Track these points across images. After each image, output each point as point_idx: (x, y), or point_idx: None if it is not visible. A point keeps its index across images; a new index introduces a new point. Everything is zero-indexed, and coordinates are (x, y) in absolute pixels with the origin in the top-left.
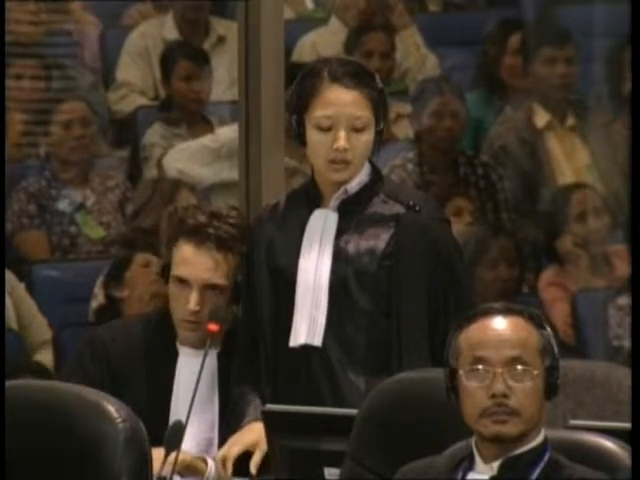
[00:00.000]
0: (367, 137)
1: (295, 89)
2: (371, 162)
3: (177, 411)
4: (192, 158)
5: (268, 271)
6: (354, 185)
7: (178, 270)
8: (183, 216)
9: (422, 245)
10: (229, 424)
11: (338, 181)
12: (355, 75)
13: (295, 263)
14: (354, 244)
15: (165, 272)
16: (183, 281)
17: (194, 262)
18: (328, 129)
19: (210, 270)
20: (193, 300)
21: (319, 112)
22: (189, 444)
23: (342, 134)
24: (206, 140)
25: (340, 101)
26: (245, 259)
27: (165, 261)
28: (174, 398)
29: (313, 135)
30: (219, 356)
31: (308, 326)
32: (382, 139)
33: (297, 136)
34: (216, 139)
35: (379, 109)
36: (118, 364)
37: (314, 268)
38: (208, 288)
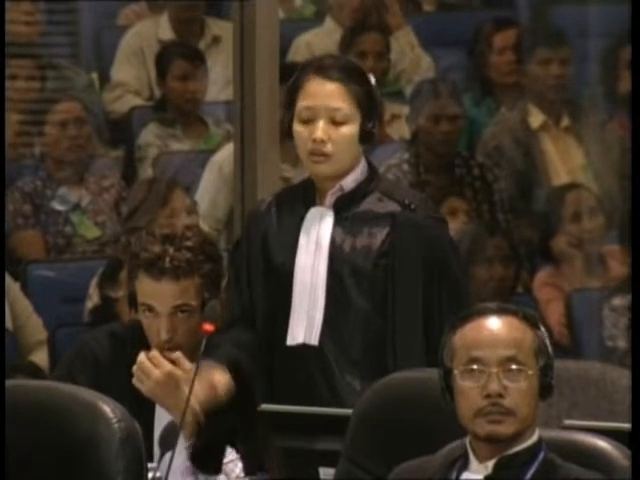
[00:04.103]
0: (348, 131)
1: (287, 85)
2: (368, 160)
3: (160, 426)
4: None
5: (263, 268)
6: (349, 182)
7: (144, 299)
8: (136, 250)
9: (417, 244)
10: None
11: (319, 174)
12: (341, 69)
13: (291, 261)
14: (350, 243)
15: (132, 301)
16: (151, 309)
17: (157, 294)
18: (309, 121)
19: (176, 296)
20: (163, 329)
21: (301, 103)
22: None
23: (320, 125)
24: (210, 174)
25: (319, 92)
26: (237, 252)
27: (130, 291)
28: (157, 416)
29: (295, 127)
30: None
31: (306, 325)
32: (372, 138)
33: (287, 132)
34: (214, 162)
35: (366, 106)
36: (107, 377)
37: (311, 267)
38: (177, 312)
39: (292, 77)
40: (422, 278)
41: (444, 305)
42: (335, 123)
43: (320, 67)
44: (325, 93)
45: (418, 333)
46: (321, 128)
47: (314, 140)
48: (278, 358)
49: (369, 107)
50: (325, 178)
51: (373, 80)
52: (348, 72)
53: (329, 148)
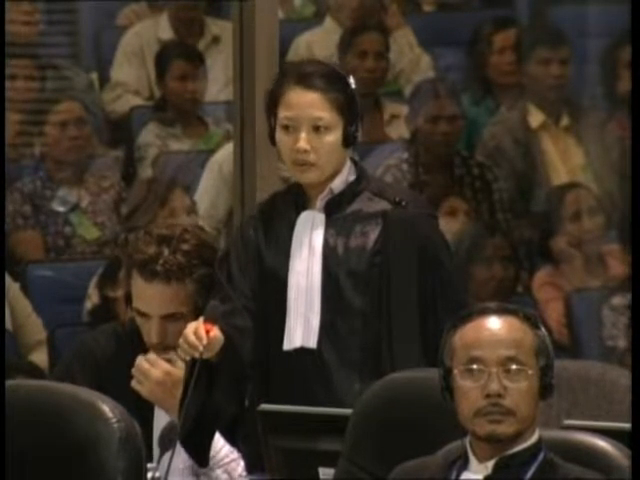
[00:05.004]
0: (331, 139)
1: (268, 90)
2: (354, 161)
3: (159, 426)
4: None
5: (257, 273)
6: (338, 184)
7: (136, 303)
8: (131, 250)
9: (409, 241)
10: None
11: (305, 182)
12: (321, 77)
13: (286, 267)
14: (343, 244)
15: (128, 299)
16: (143, 313)
17: (148, 296)
18: (291, 130)
19: (165, 303)
20: (154, 333)
21: (282, 113)
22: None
23: (302, 135)
24: (210, 174)
25: (300, 102)
26: (229, 260)
27: (127, 289)
28: (156, 416)
29: (278, 135)
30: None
31: (303, 329)
32: (355, 141)
33: (270, 136)
34: (214, 162)
35: (347, 111)
36: (106, 377)
37: (305, 270)
38: (168, 318)
39: (273, 81)
40: (415, 275)
41: (439, 301)
42: (318, 131)
43: (300, 76)
44: (306, 103)
45: (414, 330)
46: (304, 138)
47: (297, 150)
48: (275, 362)
49: (351, 112)
50: (312, 184)
51: (353, 83)
52: (328, 80)
53: (313, 157)
